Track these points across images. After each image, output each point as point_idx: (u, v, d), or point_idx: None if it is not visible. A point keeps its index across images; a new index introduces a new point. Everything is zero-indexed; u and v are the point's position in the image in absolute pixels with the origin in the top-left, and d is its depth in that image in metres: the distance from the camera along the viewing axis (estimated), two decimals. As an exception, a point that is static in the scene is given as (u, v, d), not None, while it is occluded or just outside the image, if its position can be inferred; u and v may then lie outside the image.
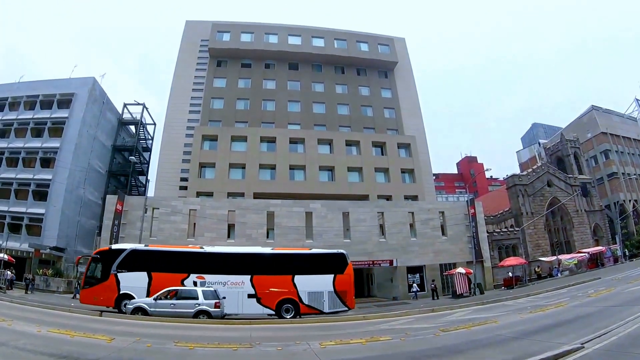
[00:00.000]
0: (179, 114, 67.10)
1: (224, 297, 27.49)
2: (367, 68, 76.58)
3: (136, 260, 29.44)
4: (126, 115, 69.67)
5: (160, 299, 25.76)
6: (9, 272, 41.64)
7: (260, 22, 79.54)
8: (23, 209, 52.42)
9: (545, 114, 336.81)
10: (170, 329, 22.72)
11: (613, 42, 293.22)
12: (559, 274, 54.49)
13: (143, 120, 69.65)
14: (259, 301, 28.54)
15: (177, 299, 25.75)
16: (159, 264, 29.68)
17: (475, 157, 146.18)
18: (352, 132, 67.56)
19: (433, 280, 47.85)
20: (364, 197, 58.56)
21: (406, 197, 60.56)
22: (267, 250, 33.14)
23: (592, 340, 14.19)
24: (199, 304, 25.52)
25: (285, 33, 75.84)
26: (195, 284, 28.19)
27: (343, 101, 72.11)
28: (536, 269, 56.23)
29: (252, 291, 28.65)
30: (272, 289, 29.21)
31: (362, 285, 58.20)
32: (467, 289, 44.68)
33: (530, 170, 66.68)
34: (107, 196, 48.47)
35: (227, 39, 73.46)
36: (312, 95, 71.72)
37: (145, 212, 44.09)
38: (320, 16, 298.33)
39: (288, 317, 28.00)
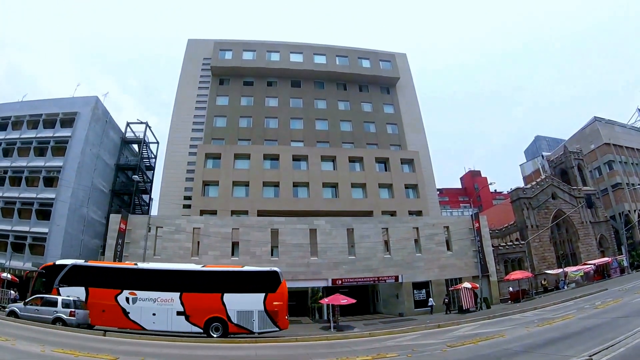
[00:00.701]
0: (182, 133, 67.17)
1: (154, 314, 27.83)
2: (369, 84, 76.83)
3: (76, 276, 29.70)
4: (129, 134, 69.76)
5: (30, 304, 27.50)
6: (12, 292, 41.44)
7: (261, 40, 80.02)
8: (26, 228, 52.23)
9: (548, 126, 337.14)
10: (175, 348, 22.63)
11: (615, 51, 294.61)
12: (566, 287, 54.14)
13: (146, 138, 69.64)
14: (187, 319, 28.09)
15: (41, 306, 27.18)
16: (95, 279, 29.83)
17: (479, 172, 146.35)
18: (355, 149, 67.62)
19: (446, 295, 47.69)
20: (368, 213, 58.37)
21: (410, 213, 60.36)
22: (197, 267, 32.49)
23: (599, 352, 14.07)
24: (57, 312, 26.62)
25: (287, 50, 76.29)
26: (127, 300, 28.35)
27: (346, 118, 72.27)
28: (542, 281, 55.88)
29: (181, 308, 28.23)
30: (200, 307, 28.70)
31: (368, 301, 57.85)
32: (473, 303, 44.38)
33: (534, 183, 66.52)
34: (111, 215, 48.56)
35: (229, 57, 73.93)
36: (315, 112, 71.91)
37: (149, 231, 44.09)
38: (321, 33, 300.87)
39: (216, 336, 27.57)
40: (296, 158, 63.62)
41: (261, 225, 48.42)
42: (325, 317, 44.25)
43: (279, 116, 70.20)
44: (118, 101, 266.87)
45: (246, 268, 32.73)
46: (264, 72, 73.84)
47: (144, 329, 27.50)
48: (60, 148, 56.39)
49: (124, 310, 27.92)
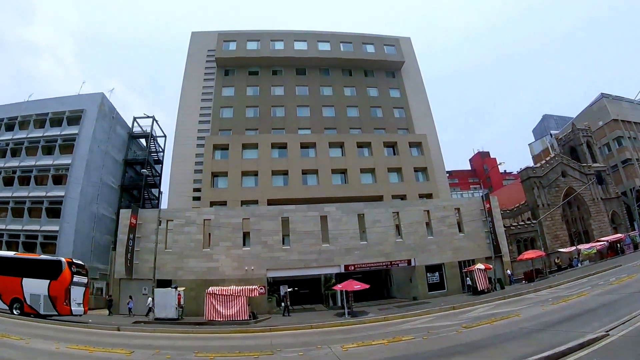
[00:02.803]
0: (189, 125, 67.10)
1: None
2: (374, 69, 76.29)
3: None
4: (136, 129, 69.76)
5: None
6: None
7: (265, 29, 79.63)
8: (37, 227, 52.51)
9: (555, 104, 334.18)
10: (189, 340, 22.76)
11: (620, 28, 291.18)
12: (579, 264, 53.90)
13: (153, 132, 69.70)
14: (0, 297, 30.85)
15: None
16: None
17: (488, 153, 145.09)
18: (363, 134, 67.24)
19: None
20: (379, 198, 58.17)
21: (421, 196, 60.05)
22: (8, 254, 35.72)
23: (616, 327, 13.96)
24: None
25: (291, 39, 75.88)
26: None
27: (352, 103, 71.87)
28: (556, 260, 55.61)
29: None
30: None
31: (381, 286, 57.86)
32: (487, 284, 44.16)
33: (543, 162, 65.78)
34: (121, 210, 48.71)
35: (233, 48, 73.61)
36: (321, 100, 71.56)
37: (160, 225, 43.97)
38: (324, 19, 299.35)
39: (16, 313, 29.88)
40: (304, 146, 63.40)
41: (271, 214, 48.32)
42: (339, 304, 44.26)
43: (286, 105, 69.97)
44: (124, 97, 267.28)
45: (41, 257, 36.12)
46: (269, 61, 73.58)
47: None
48: (68, 146, 56.41)
49: None
